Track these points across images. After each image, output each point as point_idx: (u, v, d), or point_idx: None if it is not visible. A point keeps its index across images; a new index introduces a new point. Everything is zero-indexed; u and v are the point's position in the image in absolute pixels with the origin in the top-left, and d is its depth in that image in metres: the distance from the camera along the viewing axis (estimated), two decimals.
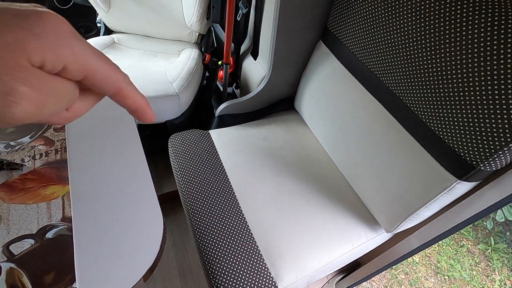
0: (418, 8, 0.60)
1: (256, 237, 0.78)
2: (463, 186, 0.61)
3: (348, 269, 1.29)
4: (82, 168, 0.58)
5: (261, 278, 0.72)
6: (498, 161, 0.54)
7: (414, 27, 0.61)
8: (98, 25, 1.29)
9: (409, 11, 0.61)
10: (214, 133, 1.01)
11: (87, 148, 0.62)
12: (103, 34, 1.25)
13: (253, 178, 0.89)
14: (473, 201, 0.65)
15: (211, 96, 1.36)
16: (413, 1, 0.61)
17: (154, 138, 1.24)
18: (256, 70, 1.15)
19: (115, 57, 1.12)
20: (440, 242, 1.96)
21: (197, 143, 0.96)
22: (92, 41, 1.13)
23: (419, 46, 0.61)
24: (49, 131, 0.63)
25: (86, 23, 1.71)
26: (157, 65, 1.13)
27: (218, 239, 0.76)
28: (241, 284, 0.70)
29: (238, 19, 1.11)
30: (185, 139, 0.97)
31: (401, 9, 0.63)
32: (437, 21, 0.57)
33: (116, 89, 0.21)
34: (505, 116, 0.49)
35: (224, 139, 0.99)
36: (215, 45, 1.50)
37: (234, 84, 1.40)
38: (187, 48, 1.23)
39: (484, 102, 0.52)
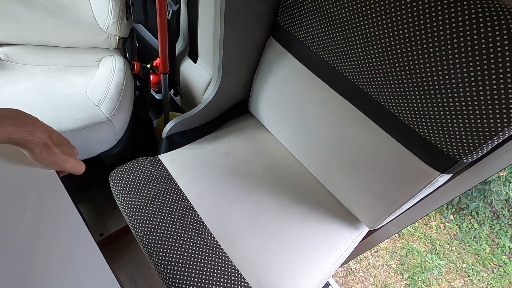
0: None
1: (244, 273, 0.69)
2: (444, 178, 0.62)
3: None
4: None
5: None
6: (480, 152, 0.54)
7: (385, 15, 0.56)
8: None
9: None
10: (165, 158, 0.85)
11: None
12: None
13: (225, 205, 0.78)
14: (449, 189, 0.66)
15: (148, 111, 1.16)
16: None
17: (87, 173, 1.00)
18: (198, 74, 1.01)
19: (6, 80, 0.84)
20: None
21: (147, 174, 0.79)
22: None
23: (392, 37, 0.56)
24: None
25: None
26: (72, 84, 0.89)
27: (201, 284, 0.64)
28: None
29: (169, 17, 0.93)
30: (131, 172, 0.79)
31: None
32: (411, 10, 0.53)
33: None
34: (490, 110, 0.49)
35: (179, 164, 0.84)
36: (137, 44, 1.28)
37: (172, 90, 1.23)
38: (107, 56, 1.00)
39: (468, 96, 0.50)
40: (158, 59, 1.21)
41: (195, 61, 1.01)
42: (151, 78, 1.24)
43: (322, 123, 0.76)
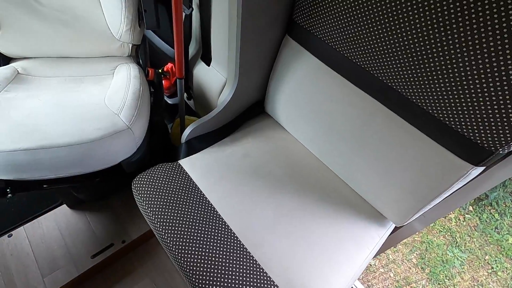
0: None
1: (272, 276, 0.68)
2: (478, 171, 0.60)
3: None
4: None
5: None
6: None
7: (419, 9, 0.54)
8: None
9: None
10: (186, 163, 0.85)
11: None
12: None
13: (248, 207, 0.78)
14: (482, 181, 0.64)
15: (164, 116, 1.16)
16: None
17: (107, 182, 1.01)
18: (213, 77, 1.00)
19: (26, 94, 0.85)
20: None
21: (169, 180, 0.79)
22: None
23: (420, 28, 0.55)
24: None
25: None
26: (89, 94, 0.89)
27: None
28: None
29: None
30: (153, 179, 0.79)
31: None
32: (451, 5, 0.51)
33: None
34: None
35: (199, 168, 0.84)
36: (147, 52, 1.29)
37: (186, 94, 1.22)
38: (121, 64, 1.01)
39: (502, 86, 0.48)
40: (169, 64, 1.21)
41: (208, 64, 1.01)
42: (164, 83, 1.24)
43: (344, 119, 0.75)
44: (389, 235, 0.87)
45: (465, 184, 0.67)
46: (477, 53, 0.49)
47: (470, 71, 0.51)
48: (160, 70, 1.16)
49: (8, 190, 0.85)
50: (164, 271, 1.13)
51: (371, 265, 1.87)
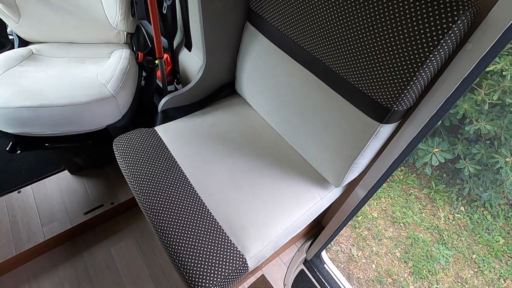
0: None
1: (218, 219, 0.80)
2: (386, 129, 0.70)
3: (315, 235, 1.38)
4: None
5: (228, 254, 0.74)
6: (406, 100, 0.63)
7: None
8: (11, 37, 1.17)
9: None
10: (160, 129, 1.00)
11: None
12: (18, 47, 1.15)
13: (207, 165, 0.91)
14: (397, 141, 0.74)
15: (153, 96, 1.33)
16: None
17: (98, 147, 1.18)
18: (193, 61, 1.15)
19: (37, 69, 1.04)
20: (392, 195, 2.18)
21: (144, 142, 0.94)
22: (5, 55, 1.03)
23: (334, 14, 0.67)
24: None
25: None
26: (87, 71, 1.07)
27: (181, 230, 0.76)
28: (212, 266, 0.71)
29: (165, 12, 1.10)
30: (131, 140, 0.95)
31: None
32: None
33: None
34: (400, 64, 0.58)
35: (171, 133, 0.99)
36: (150, 45, 1.46)
37: (175, 80, 1.39)
38: (117, 49, 1.19)
39: (386, 54, 0.60)
40: (165, 54, 1.38)
41: (190, 50, 1.16)
42: (159, 73, 1.41)
43: (289, 91, 0.87)
44: (335, 199, 0.98)
45: (384, 146, 0.77)
46: (366, 32, 0.61)
47: (364, 48, 0.62)
48: (156, 61, 1.33)
49: (17, 147, 1.03)
50: (145, 232, 1.28)
51: (353, 255, 1.92)
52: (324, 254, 1.38)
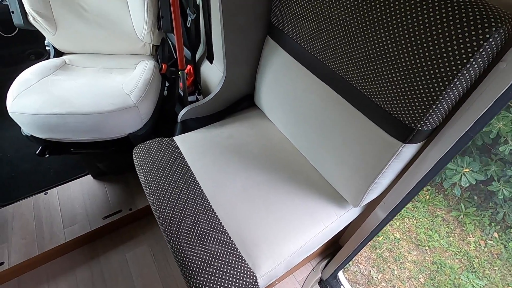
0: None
1: (230, 232, 0.79)
2: (409, 149, 0.66)
3: (331, 254, 1.33)
4: None
5: (239, 270, 0.72)
6: (431, 120, 0.59)
7: (350, 14, 0.66)
8: (47, 48, 1.26)
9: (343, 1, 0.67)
10: (179, 139, 1.01)
11: None
12: (53, 57, 1.22)
13: (222, 176, 0.91)
14: (420, 162, 0.70)
15: (174, 106, 1.36)
16: None
17: (120, 154, 1.22)
18: (214, 73, 1.17)
19: (68, 78, 1.10)
20: (417, 215, 2.07)
21: (162, 151, 0.96)
22: (41, 64, 1.10)
23: (356, 30, 0.66)
24: None
25: (36, 49, 1.67)
26: (113, 80, 1.12)
27: (192, 240, 0.76)
28: (220, 280, 0.70)
29: (189, 25, 1.13)
30: (150, 149, 0.97)
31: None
32: (369, 9, 0.62)
33: None
34: (424, 83, 0.55)
35: (189, 143, 1.00)
36: (175, 57, 1.51)
37: (197, 91, 1.42)
38: (143, 60, 1.23)
39: (411, 71, 0.57)
40: (188, 66, 1.42)
41: (211, 62, 1.19)
42: (181, 83, 1.45)
43: (308, 105, 0.86)
44: (355, 218, 0.93)
45: (407, 167, 0.73)
46: (389, 47, 0.58)
47: (388, 64, 0.60)
48: (179, 73, 1.37)
49: (46, 151, 1.09)
50: (160, 240, 1.29)
51: (373, 277, 1.82)
52: (341, 274, 1.32)
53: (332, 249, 1.35)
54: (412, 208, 2.14)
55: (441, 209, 2.13)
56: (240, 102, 1.13)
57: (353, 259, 1.73)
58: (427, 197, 2.20)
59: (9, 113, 0.95)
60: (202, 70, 1.25)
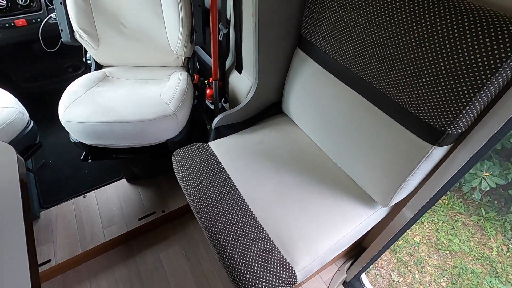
0: (378, 10, 0.72)
1: (268, 230, 0.85)
2: (439, 151, 0.72)
3: (355, 255, 1.36)
4: None
5: (279, 265, 0.78)
6: (461, 124, 0.65)
7: (378, 24, 0.73)
8: (89, 62, 1.36)
9: (370, 11, 0.73)
10: (213, 144, 1.09)
11: None
12: (94, 70, 1.33)
13: (256, 179, 0.97)
14: (449, 163, 0.75)
15: (203, 114, 1.44)
16: (371, 7, 0.73)
17: (154, 159, 1.30)
18: (243, 83, 1.25)
19: (109, 89, 1.20)
20: (436, 219, 2.07)
21: (199, 155, 1.04)
22: (86, 77, 1.20)
23: (384, 39, 0.72)
24: None
25: (73, 62, 1.79)
26: (150, 91, 1.21)
27: (234, 238, 0.82)
28: (262, 274, 0.76)
29: (220, 39, 1.21)
30: (188, 153, 1.04)
31: (363, 10, 0.75)
32: (397, 16, 0.68)
33: None
34: (455, 89, 0.60)
35: (223, 148, 1.07)
36: (198, 67, 1.61)
37: (223, 99, 1.49)
38: (176, 71, 1.32)
39: (442, 78, 0.63)
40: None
41: (240, 72, 1.26)
42: (207, 92, 1.54)
43: (337, 112, 0.92)
44: (381, 219, 0.98)
45: (436, 168, 0.78)
46: (419, 56, 0.64)
47: (419, 73, 0.66)
48: (206, 82, 1.45)
49: (89, 156, 1.18)
50: (192, 241, 1.35)
51: (394, 281, 1.84)
52: (364, 277, 1.35)
53: (356, 250, 1.39)
54: (432, 213, 2.14)
55: (460, 214, 2.14)
56: (269, 110, 1.20)
57: (374, 263, 1.75)
58: (446, 201, 2.20)
59: (61, 122, 1.04)
60: (231, 80, 1.33)
